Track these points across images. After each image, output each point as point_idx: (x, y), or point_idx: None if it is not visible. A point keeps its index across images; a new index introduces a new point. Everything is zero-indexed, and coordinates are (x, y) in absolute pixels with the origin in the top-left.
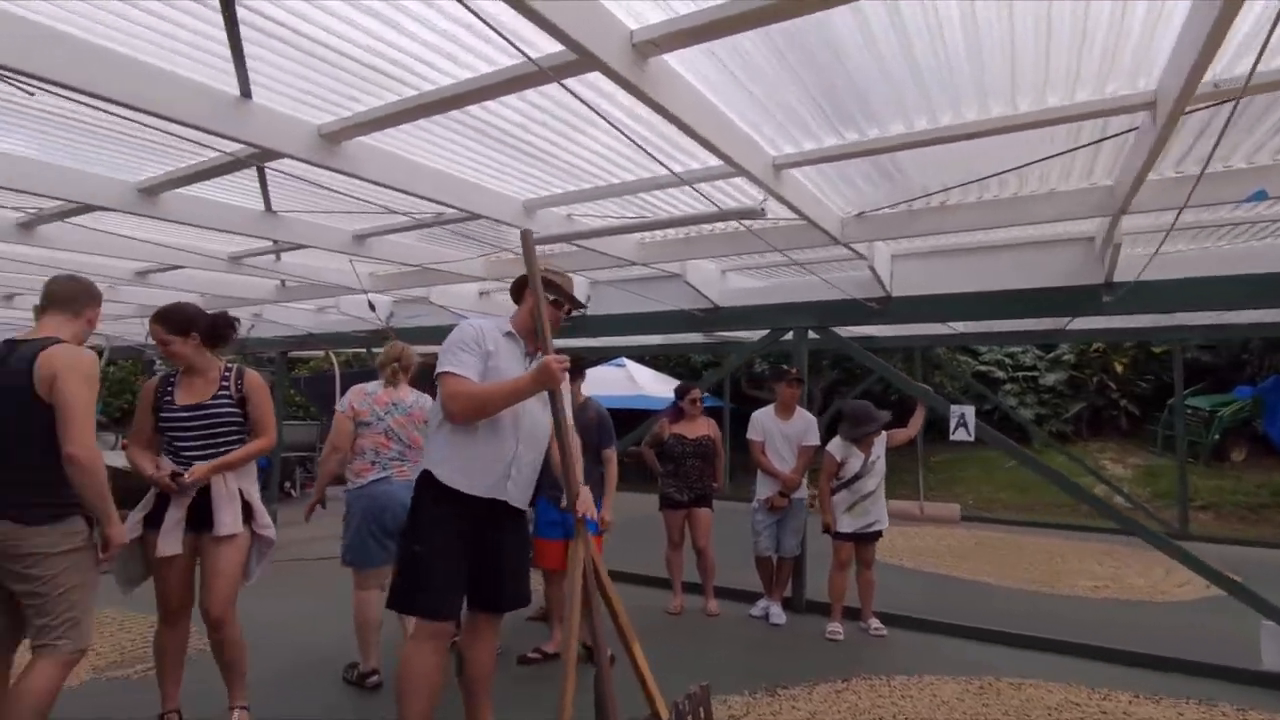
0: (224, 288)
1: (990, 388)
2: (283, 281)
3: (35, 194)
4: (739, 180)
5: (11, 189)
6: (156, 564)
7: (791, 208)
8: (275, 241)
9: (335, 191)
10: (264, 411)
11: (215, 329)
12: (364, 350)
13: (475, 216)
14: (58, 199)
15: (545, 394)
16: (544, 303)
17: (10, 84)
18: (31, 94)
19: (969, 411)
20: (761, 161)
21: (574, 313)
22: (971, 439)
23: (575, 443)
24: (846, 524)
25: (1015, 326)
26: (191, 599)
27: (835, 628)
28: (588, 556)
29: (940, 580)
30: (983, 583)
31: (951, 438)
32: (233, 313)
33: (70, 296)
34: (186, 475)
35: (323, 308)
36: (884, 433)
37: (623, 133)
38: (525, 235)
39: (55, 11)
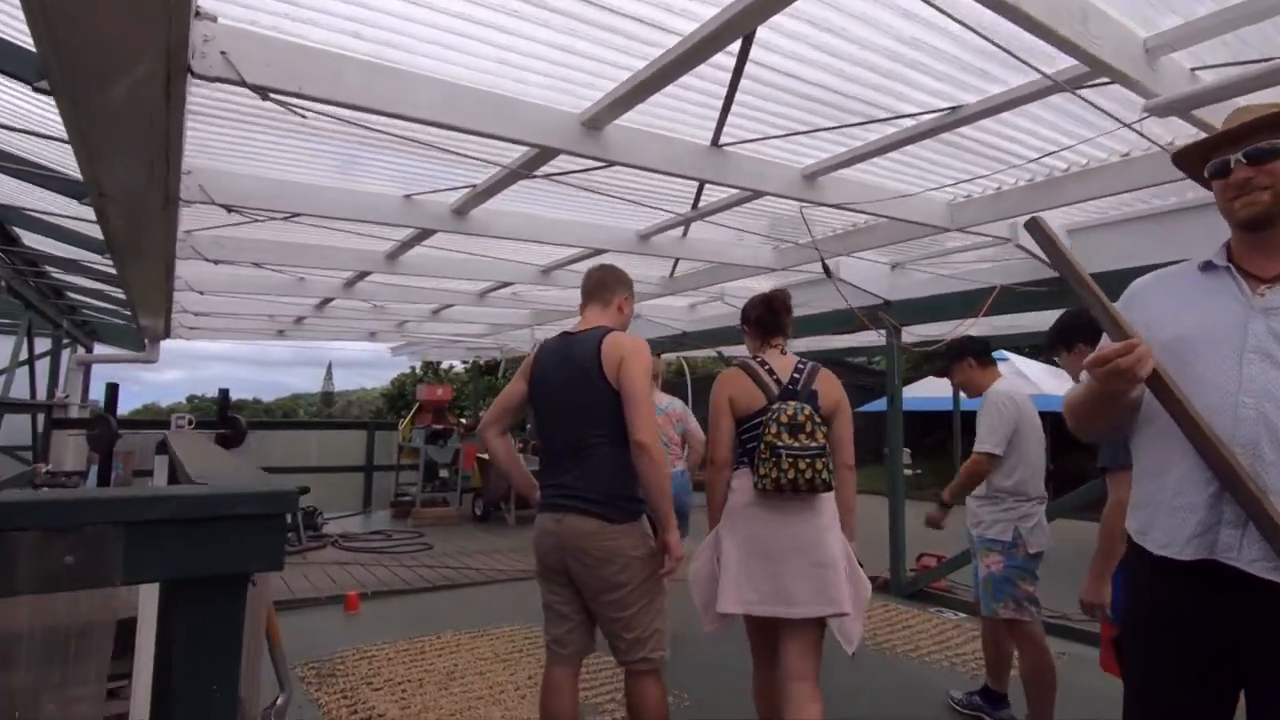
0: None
1: None
2: (673, 267)
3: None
4: None
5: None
6: None
7: None
8: (694, 206)
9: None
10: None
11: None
12: (717, 353)
13: (1093, 77)
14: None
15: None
16: (1098, 296)
17: None
18: None
19: None
20: None
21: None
22: None
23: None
24: None
25: None
26: None
27: None
28: None
29: None
30: None
31: None
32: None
33: (599, 284)
34: None
35: (694, 304)
36: None
37: None
38: (1034, 224)
39: None
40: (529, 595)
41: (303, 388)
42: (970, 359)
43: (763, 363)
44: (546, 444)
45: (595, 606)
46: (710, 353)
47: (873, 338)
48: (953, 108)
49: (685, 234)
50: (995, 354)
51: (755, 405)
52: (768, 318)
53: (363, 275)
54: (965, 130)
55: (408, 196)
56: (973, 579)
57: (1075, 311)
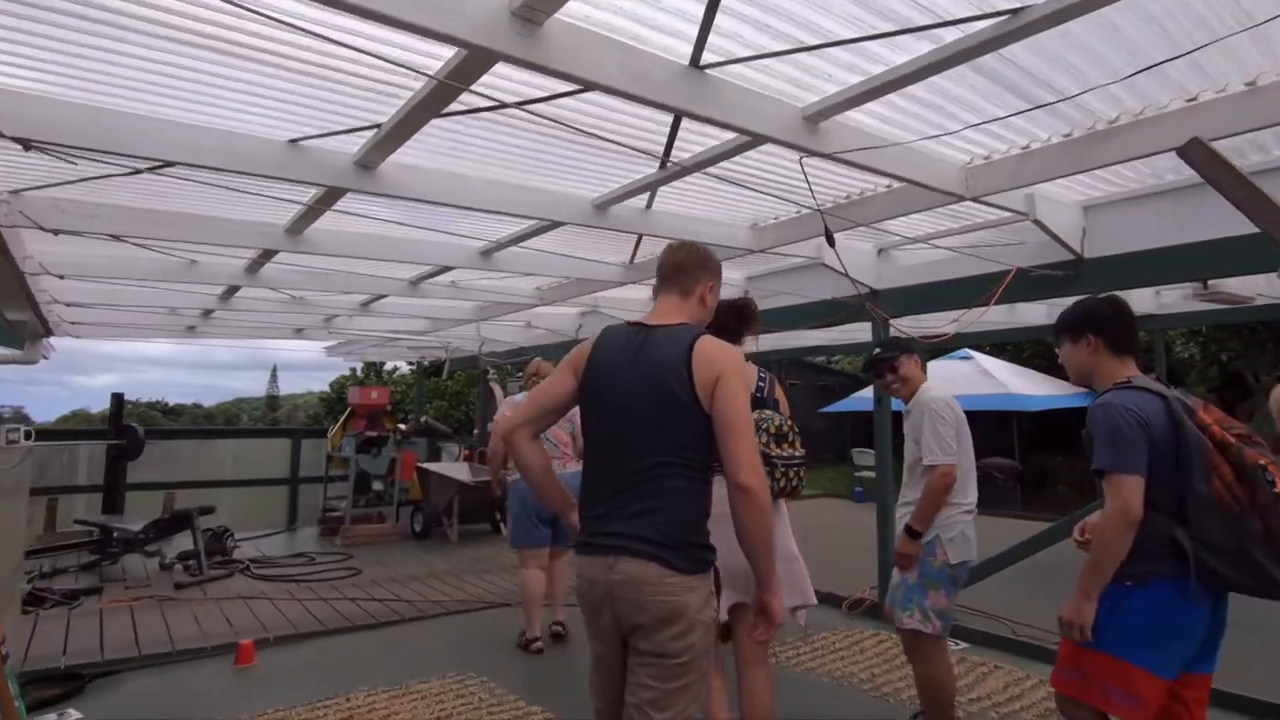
0: (567, 267)
1: None
2: (635, 248)
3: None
4: None
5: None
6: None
7: None
8: (664, 159)
9: None
10: None
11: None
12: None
13: None
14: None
15: None
16: None
17: None
18: None
19: None
20: None
21: None
22: None
23: None
24: None
25: None
26: None
27: None
28: None
29: None
30: None
31: None
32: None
33: (678, 267)
34: None
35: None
36: None
37: None
38: (1196, 146)
39: None
40: (467, 633)
41: (247, 391)
42: (918, 356)
43: None
44: (599, 464)
45: (634, 670)
46: None
47: (848, 334)
48: (1015, 10)
49: (651, 203)
50: (959, 352)
51: None
52: (734, 325)
53: (267, 256)
54: (1013, 52)
55: (294, 142)
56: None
57: (1093, 299)
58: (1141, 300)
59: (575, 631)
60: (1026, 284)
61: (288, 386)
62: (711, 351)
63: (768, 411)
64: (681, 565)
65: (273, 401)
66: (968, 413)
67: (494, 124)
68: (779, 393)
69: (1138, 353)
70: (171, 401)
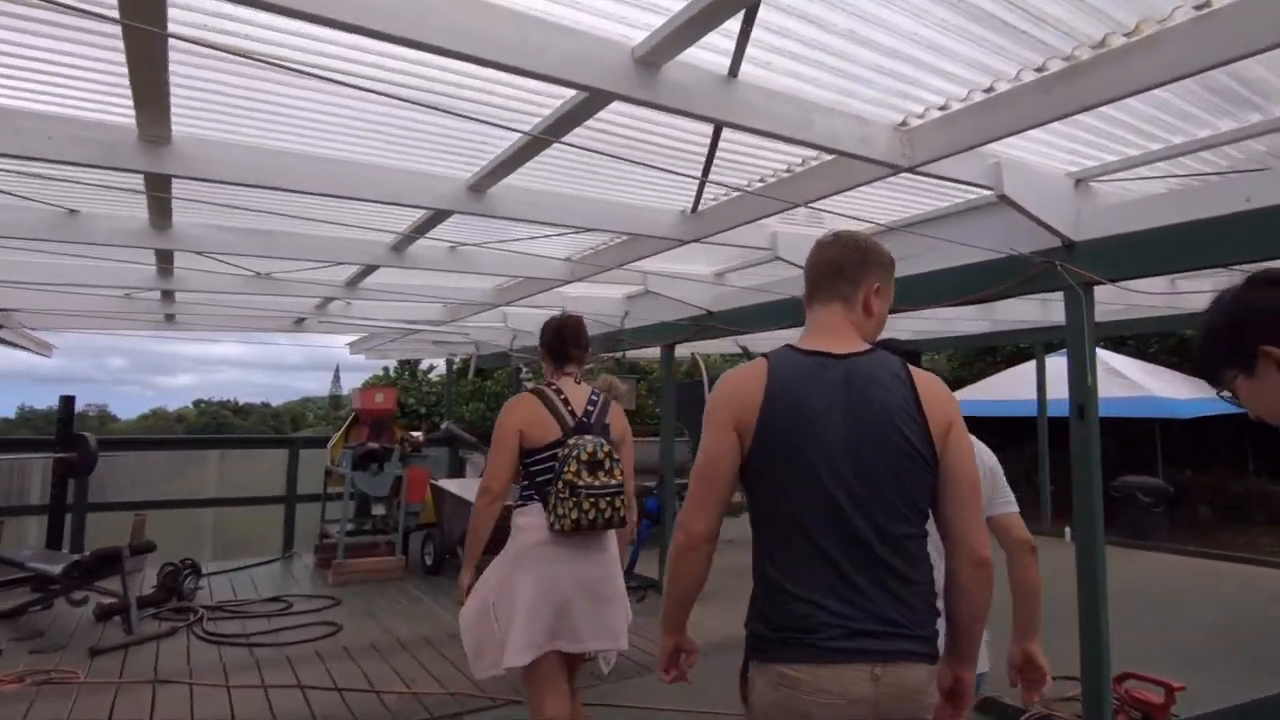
0: (597, 212)
1: None
2: (710, 155)
3: None
4: None
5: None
6: None
7: None
8: None
9: None
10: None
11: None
12: (742, 349)
13: None
14: None
15: None
16: None
17: None
18: None
19: None
20: None
21: None
22: None
23: None
24: None
25: None
26: None
27: None
28: None
29: None
30: None
31: None
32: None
33: (833, 269)
34: None
35: (722, 271)
36: None
37: None
38: None
39: None
40: None
41: (312, 391)
42: None
43: (558, 391)
44: (811, 538)
45: None
46: (734, 348)
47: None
48: None
49: (737, 65)
50: None
51: (549, 436)
52: (557, 346)
53: (157, 185)
54: None
55: None
56: None
57: (1232, 294)
58: None
59: None
60: None
61: (350, 387)
62: (936, 390)
63: (586, 438)
64: (935, 656)
65: (336, 401)
66: (1111, 420)
67: None
68: (614, 414)
69: None
70: (242, 401)
